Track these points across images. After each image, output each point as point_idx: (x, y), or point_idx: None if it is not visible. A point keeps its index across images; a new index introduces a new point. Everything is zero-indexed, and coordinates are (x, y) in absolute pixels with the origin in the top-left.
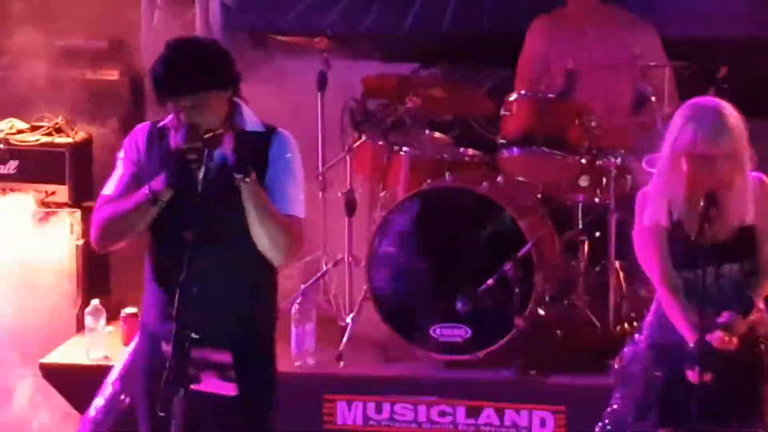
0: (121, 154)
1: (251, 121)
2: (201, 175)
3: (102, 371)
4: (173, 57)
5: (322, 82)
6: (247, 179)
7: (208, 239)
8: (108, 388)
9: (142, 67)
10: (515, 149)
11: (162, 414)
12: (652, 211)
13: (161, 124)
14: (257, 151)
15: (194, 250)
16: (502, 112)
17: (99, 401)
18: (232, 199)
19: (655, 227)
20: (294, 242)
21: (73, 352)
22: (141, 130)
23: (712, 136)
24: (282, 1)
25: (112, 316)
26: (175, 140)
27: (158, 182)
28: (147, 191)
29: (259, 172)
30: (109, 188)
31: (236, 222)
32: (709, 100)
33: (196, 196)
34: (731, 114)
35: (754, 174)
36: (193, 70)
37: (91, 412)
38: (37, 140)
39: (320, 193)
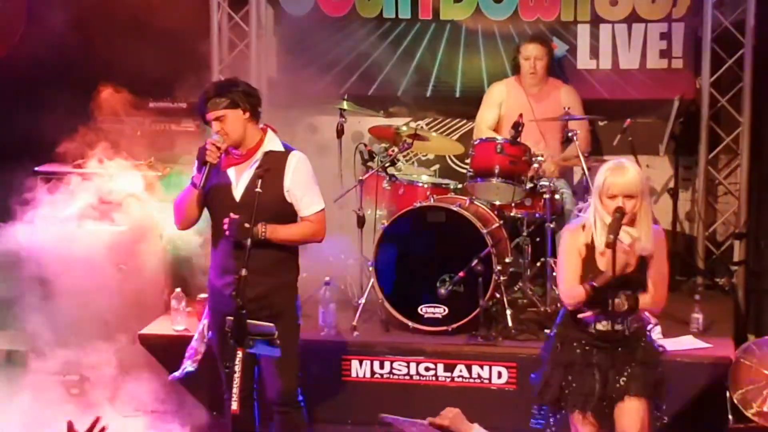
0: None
1: (276, 142)
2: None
3: (184, 340)
4: (208, 86)
5: (339, 132)
6: (262, 237)
7: (236, 222)
8: (190, 350)
9: None
10: (479, 179)
11: (227, 369)
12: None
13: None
14: (278, 163)
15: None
16: (470, 152)
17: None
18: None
19: (575, 246)
20: (318, 234)
21: (162, 326)
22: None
23: (623, 180)
24: (312, 75)
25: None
26: (224, 160)
27: (195, 176)
28: (191, 181)
29: (279, 179)
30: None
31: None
32: (622, 160)
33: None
34: (634, 168)
35: (655, 225)
36: (215, 93)
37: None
38: None
39: (339, 212)
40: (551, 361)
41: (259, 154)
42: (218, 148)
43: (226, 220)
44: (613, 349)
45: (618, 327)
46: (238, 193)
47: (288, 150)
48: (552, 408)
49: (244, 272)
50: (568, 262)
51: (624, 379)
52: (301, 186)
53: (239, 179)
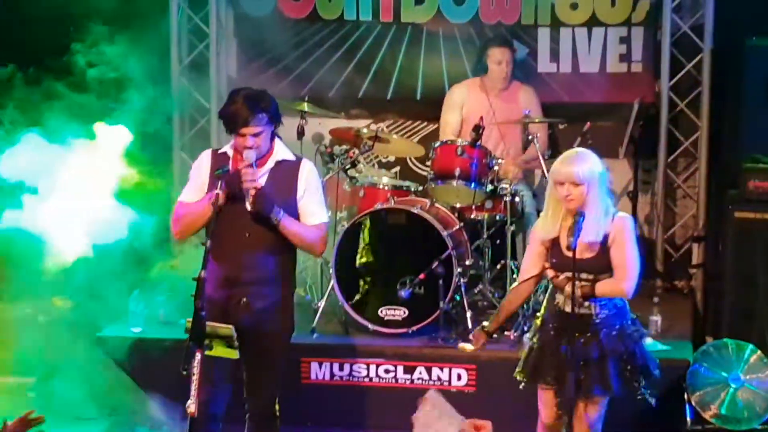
0: (191, 171)
1: (285, 151)
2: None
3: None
4: (239, 99)
5: (300, 133)
6: (278, 220)
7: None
8: None
9: None
10: (440, 181)
11: (184, 371)
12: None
13: (220, 151)
14: (291, 172)
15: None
16: (430, 154)
17: None
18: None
19: (534, 240)
20: (321, 243)
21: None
22: (206, 154)
23: (569, 168)
24: (272, 76)
25: None
26: (235, 165)
27: (217, 195)
28: (210, 197)
29: (291, 189)
30: (183, 195)
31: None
32: (579, 149)
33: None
34: (585, 157)
35: (621, 213)
36: (256, 109)
37: None
38: None
39: None
40: (530, 341)
41: (270, 163)
42: (252, 167)
43: (253, 192)
44: (579, 331)
45: (583, 311)
46: (249, 203)
47: (299, 159)
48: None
49: (202, 273)
50: (527, 251)
51: (587, 373)
52: (312, 195)
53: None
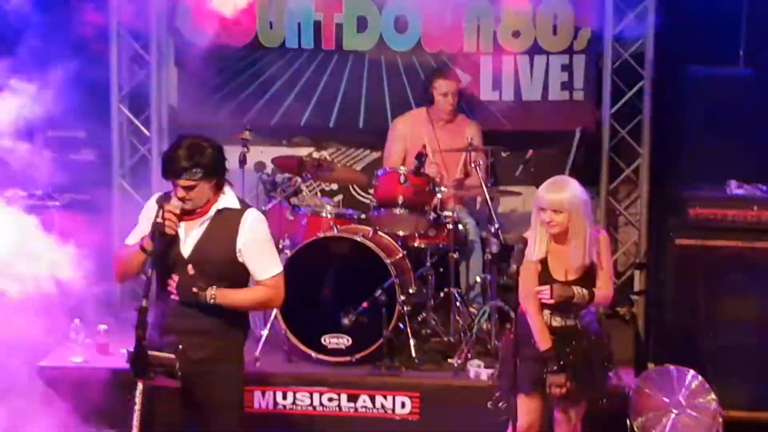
0: (141, 215)
1: (231, 199)
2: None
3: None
4: (179, 148)
5: (242, 161)
6: (212, 299)
7: (184, 283)
8: None
9: None
10: (382, 210)
11: (129, 399)
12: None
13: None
14: (231, 222)
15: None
16: (373, 182)
17: None
18: (209, 264)
19: (527, 263)
20: (275, 298)
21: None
22: (153, 199)
23: (551, 196)
24: (214, 105)
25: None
26: (156, 216)
27: (145, 239)
28: (139, 243)
29: (231, 239)
30: (128, 239)
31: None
32: (561, 177)
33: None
34: (567, 185)
35: (596, 228)
36: (187, 158)
37: None
38: None
39: None
40: (509, 354)
41: (212, 212)
42: (177, 216)
43: (172, 282)
44: (566, 342)
45: (570, 322)
46: (186, 249)
47: (244, 208)
48: (506, 393)
49: (144, 303)
50: (526, 277)
51: (575, 380)
52: (256, 247)
53: (188, 236)
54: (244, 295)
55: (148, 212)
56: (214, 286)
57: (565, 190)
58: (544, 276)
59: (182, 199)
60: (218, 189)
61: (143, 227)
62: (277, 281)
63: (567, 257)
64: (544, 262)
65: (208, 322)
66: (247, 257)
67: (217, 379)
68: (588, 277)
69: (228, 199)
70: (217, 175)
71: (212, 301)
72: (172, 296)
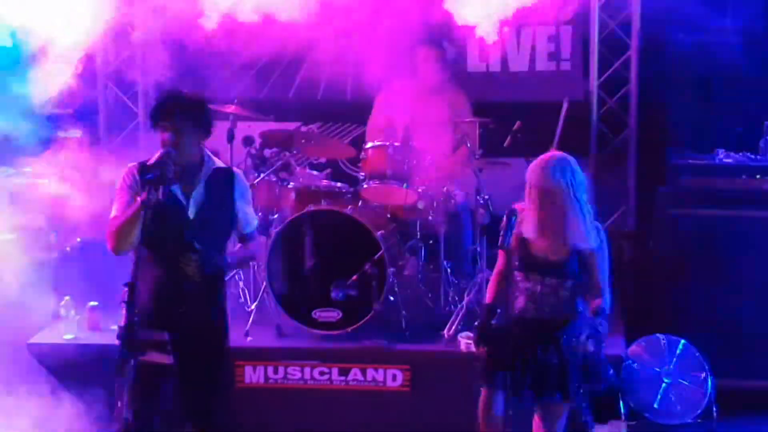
0: (118, 189)
1: (215, 160)
2: (160, 191)
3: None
4: (162, 96)
5: (230, 137)
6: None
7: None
8: None
9: None
10: (371, 182)
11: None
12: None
13: (148, 162)
14: (225, 180)
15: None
16: (362, 155)
17: None
18: (211, 223)
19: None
20: (259, 250)
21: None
22: (134, 167)
23: (537, 171)
24: (201, 78)
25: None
26: (147, 172)
27: (143, 194)
28: (140, 199)
29: (230, 195)
30: (114, 212)
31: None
32: (556, 154)
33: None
34: (557, 162)
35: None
36: (174, 103)
37: None
38: None
39: None
40: (491, 345)
41: (206, 171)
42: (173, 163)
43: (190, 263)
44: (542, 338)
45: (545, 316)
46: (192, 211)
47: (229, 168)
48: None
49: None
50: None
51: (547, 379)
52: (246, 202)
53: (191, 197)
54: (244, 252)
55: (128, 181)
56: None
57: (550, 168)
58: (525, 253)
59: (172, 144)
60: (202, 147)
61: (126, 198)
62: (258, 234)
63: (550, 235)
64: (526, 239)
65: (201, 289)
66: (241, 212)
67: (210, 336)
68: (570, 264)
69: (213, 158)
70: (204, 126)
71: (228, 262)
72: (191, 272)
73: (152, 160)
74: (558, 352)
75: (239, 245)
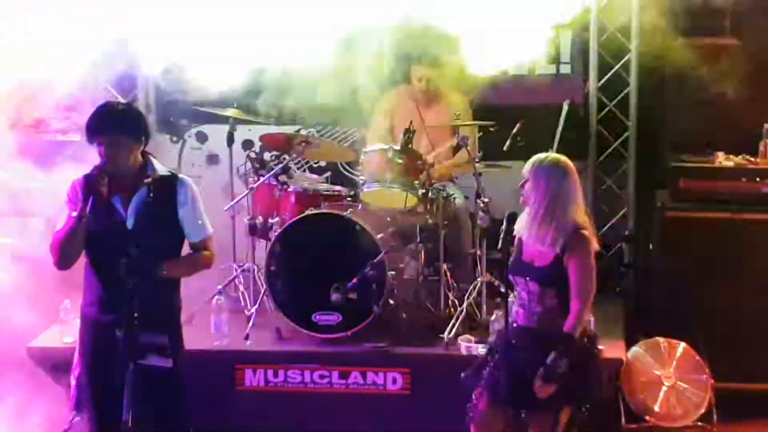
0: (63, 202)
1: (160, 168)
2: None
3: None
4: (98, 110)
5: (230, 140)
6: (163, 272)
7: (135, 262)
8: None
9: None
10: (371, 185)
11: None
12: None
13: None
14: (167, 188)
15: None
16: (362, 159)
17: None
18: (152, 233)
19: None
20: (212, 259)
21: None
22: (78, 182)
23: (528, 170)
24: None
25: None
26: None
27: (80, 207)
28: (77, 214)
29: (171, 205)
30: (58, 227)
31: (156, 250)
32: (548, 155)
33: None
34: (542, 159)
35: (579, 225)
36: (109, 116)
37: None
38: None
39: (231, 219)
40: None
41: (146, 180)
42: (105, 173)
43: (122, 263)
44: (538, 346)
45: (531, 324)
46: (130, 221)
47: (174, 175)
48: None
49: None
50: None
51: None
52: (193, 211)
53: (128, 207)
54: (188, 263)
55: (71, 196)
56: (163, 261)
57: (530, 163)
58: (516, 255)
59: (108, 157)
60: (143, 156)
61: (69, 213)
62: (211, 242)
63: (534, 237)
64: (521, 240)
65: (149, 292)
66: (185, 220)
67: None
68: (551, 270)
69: (157, 167)
70: (138, 135)
71: (163, 274)
72: (124, 276)
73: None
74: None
75: (189, 253)
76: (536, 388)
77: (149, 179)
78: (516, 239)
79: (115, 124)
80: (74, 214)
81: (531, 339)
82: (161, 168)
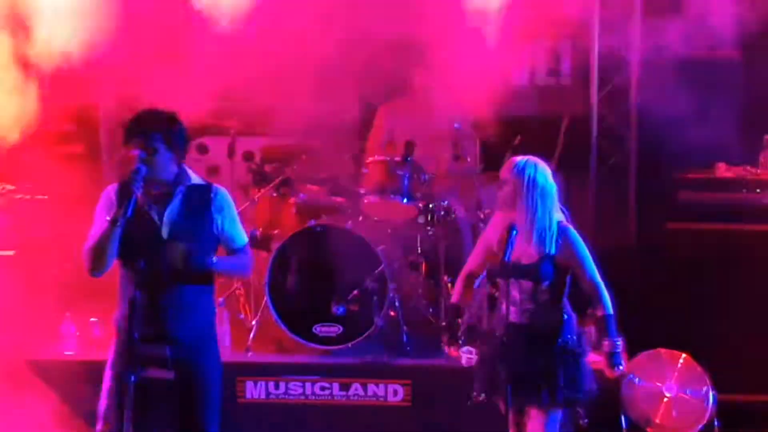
0: (96, 210)
1: (195, 177)
2: (129, 207)
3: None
4: (138, 115)
5: (231, 152)
6: (213, 268)
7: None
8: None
9: None
10: (372, 197)
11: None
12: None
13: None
14: (202, 197)
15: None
16: (362, 170)
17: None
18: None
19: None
20: (250, 265)
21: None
22: (112, 188)
23: (506, 169)
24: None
25: None
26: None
27: (113, 212)
28: (107, 220)
29: (206, 212)
30: (91, 233)
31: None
32: (525, 157)
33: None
34: (523, 161)
35: (564, 222)
36: (147, 121)
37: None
38: None
39: None
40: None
41: (180, 187)
42: (142, 177)
43: (174, 246)
44: (529, 343)
45: (524, 321)
46: (165, 230)
47: (209, 184)
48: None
49: (135, 295)
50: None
51: (535, 383)
52: (231, 217)
53: (163, 216)
54: (231, 260)
55: (104, 202)
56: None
57: (516, 165)
58: (499, 259)
59: (143, 161)
60: (179, 165)
61: (102, 219)
62: (248, 249)
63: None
64: (501, 240)
65: (186, 300)
66: (222, 228)
67: (207, 361)
68: (543, 267)
69: (192, 177)
70: (175, 143)
71: (214, 264)
72: (167, 267)
73: (123, 178)
74: (540, 357)
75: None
76: (608, 375)
77: (184, 186)
78: (482, 243)
79: (154, 129)
80: (108, 218)
81: (524, 338)
82: (196, 178)
